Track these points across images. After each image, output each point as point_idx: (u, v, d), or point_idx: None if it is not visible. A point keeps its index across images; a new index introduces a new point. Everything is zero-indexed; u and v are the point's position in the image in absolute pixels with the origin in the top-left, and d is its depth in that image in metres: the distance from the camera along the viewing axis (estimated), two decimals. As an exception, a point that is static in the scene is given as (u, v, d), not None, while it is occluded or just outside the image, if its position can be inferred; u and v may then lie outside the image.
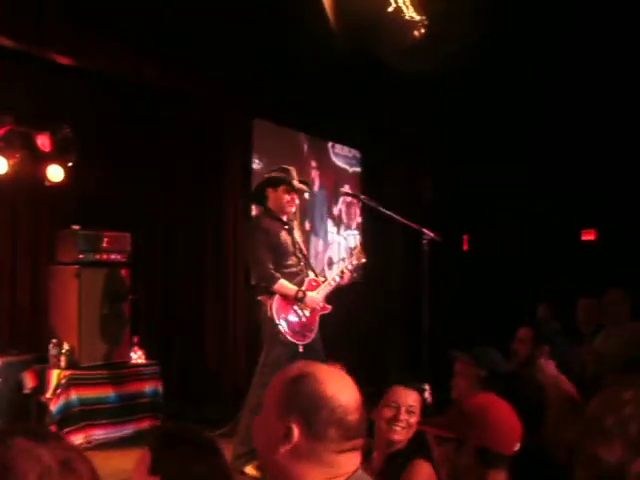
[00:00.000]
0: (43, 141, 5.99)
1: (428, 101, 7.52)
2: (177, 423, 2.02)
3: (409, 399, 2.78)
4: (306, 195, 6.09)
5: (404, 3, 5.49)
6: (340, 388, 1.55)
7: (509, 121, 7.48)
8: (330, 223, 8.20)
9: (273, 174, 4.94)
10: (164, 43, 5.99)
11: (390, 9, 5.57)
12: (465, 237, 7.53)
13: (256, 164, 7.23)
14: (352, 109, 7.57)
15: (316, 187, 8.00)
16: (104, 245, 5.81)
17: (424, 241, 5.15)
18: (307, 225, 7.74)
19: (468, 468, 2.14)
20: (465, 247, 7.53)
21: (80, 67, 5.75)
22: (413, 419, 2.76)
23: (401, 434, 2.76)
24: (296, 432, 1.50)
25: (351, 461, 1.54)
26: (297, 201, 4.92)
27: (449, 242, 6.28)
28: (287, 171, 4.93)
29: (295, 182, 4.86)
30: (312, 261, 5.85)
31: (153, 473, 1.60)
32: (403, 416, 2.74)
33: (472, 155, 7.86)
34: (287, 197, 4.80)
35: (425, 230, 5.16)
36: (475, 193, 7.94)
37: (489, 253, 7.72)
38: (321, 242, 8.04)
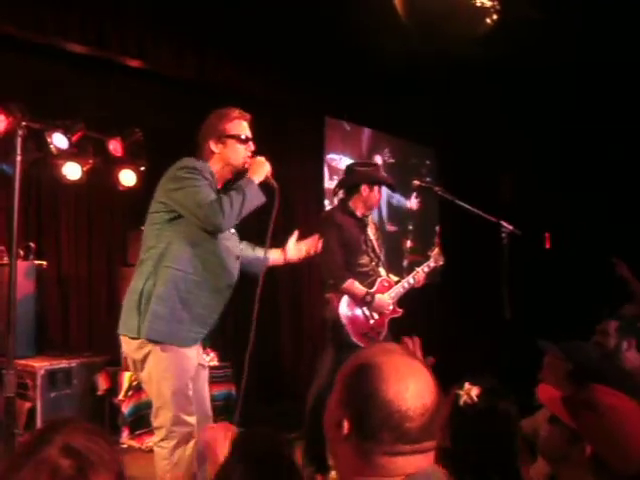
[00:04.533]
0: (115, 146, 6.01)
1: (506, 92, 7.23)
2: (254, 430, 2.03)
3: None
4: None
5: (474, -11, 5.24)
6: (405, 389, 1.36)
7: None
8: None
9: (370, 171, 4.65)
10: (228, 42, 5.94)
11: (460, -4, 5.34)
12: (547, 235, 7.15)
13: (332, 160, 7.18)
14: (425, 105, 7.36)
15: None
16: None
17: (503, 234, 4.93)
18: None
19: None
20: (547, 245, 7.15)
21: (147, 69, 5.75)
22: None
23: None
24: (346, 427, 1.37)
25: (411, 464, 1.36)
26: None
27: (530, 239, 5.98)
28: (379, 169, 4.77)
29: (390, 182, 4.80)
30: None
31: None
32: None
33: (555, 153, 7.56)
34: (378, 196, 4.64)
35: (504, 223, 4.94)
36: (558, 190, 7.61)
37: (572, 252, 7.37)
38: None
